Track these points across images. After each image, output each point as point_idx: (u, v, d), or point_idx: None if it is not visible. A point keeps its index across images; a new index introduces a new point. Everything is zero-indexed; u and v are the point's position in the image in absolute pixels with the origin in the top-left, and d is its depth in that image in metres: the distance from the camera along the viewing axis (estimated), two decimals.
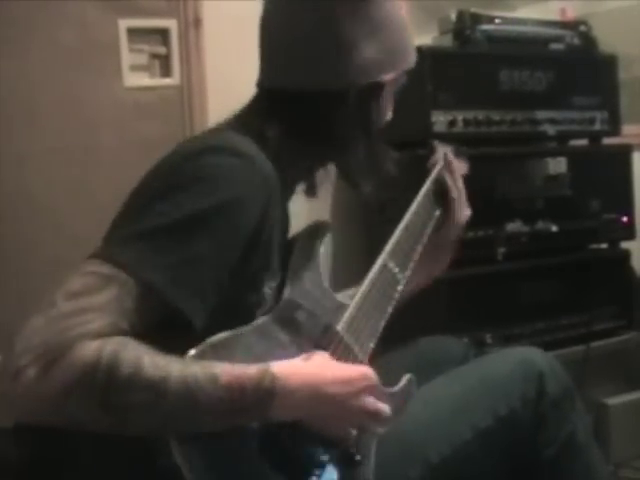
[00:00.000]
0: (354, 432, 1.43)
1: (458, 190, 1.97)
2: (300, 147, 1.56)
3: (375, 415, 1.41)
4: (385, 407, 1.42)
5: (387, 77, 1.60)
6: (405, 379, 1.58)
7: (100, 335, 1.17)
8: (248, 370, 1.25)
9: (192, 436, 1.22)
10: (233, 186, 1.35)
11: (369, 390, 1.40)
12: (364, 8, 1.55)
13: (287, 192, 1.61)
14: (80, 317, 1.17)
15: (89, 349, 1.14)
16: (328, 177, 1.69)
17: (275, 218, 1.46)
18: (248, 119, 1.56)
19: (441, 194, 1.96)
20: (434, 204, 1.94)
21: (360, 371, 1.42)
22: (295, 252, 1.58)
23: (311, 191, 1.66)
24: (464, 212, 1.97)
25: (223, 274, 1.34)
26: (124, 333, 1.20)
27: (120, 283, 1.23)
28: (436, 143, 2.11)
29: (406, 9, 3.30)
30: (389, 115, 1.70)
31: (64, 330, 1.15)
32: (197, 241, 1.30)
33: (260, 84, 1.63)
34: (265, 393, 1.24)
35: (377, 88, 1.60)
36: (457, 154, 2.10)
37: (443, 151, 2.05)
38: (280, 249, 1.53)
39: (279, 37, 1.58)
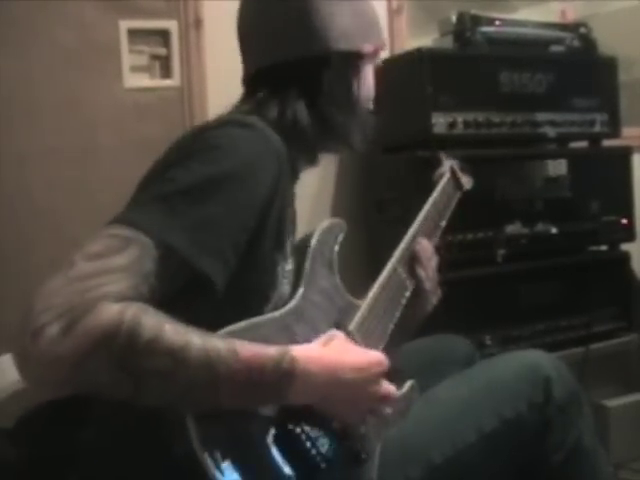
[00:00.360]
0: (365, 418, 1.45)
1: (430, 278, 1.84)
2: (297, 119, 1.58)
3: (386, 398, 1.42)
4: (394, 389, 1.43)
5: (365, 47, 1.65)
6: (408, 385, 1.60)
7: (122, 297, 1.16)
8: (268, 350, 1.25)
9: (208, 422, 1.21)
10: (246, 153, 1.38)
11: (383, 375, 1.41)
12: None
13: (294, 175, 1.62)
14: (101, 278, 1.16)
15: (111, 311, 1.13)
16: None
17: (285, 192, 1.48)
18: (246, 107, 1.59)
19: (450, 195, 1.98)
20: (441, 215, 1.95)
21: (376, 357, 1.42)
22: (312, 248, 1.59)
23: (314, 162, 1.70)
24: (436, 295, 1.87)
25: (240, 237, 1.35)
26: (144, 297, 1.20)
27: (141, 245, 1.22)
28: (442, 155, 2.12)
29: (406, 11, 3.33)
30: (372, 91, 1.73)
31: (86, 290, 1.14)
32: (213, 204, 1.31)
33: (246, 75, 1.67)
34: (284, 374, 1.25)
35: (357, 57, 1.65)
36: (462, 169, 2.11)
37: (449, 164, 2.07)
38: (291, 233, 1.56)
39: (259, 21, 1.64)
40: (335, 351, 1.37)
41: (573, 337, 3.03)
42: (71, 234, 2.70)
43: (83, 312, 1.11)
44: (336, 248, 1.64)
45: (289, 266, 1.53)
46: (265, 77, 1.61)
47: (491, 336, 2.79)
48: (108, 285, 1.16)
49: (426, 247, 1.81)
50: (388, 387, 1.42)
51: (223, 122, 1.44)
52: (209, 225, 1.30)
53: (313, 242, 1.60)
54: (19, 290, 2.61)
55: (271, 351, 1.25)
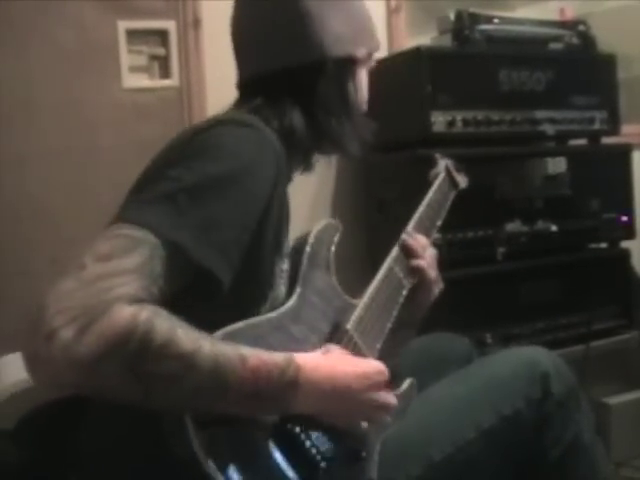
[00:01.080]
0: (364, 425, 1.45)
1: (431, 268, 1.83)
2: (292, 125, 1.57)
3: (385, 407, 1.42)
4: (393, 399, 1.44)
5: (359, 52, 1.66)
6: (407, 383, 1.60)
7: (135, 299, 1.16)
8: (275, 357, 1.25)
9: (208, 425, 1.21)
10: (249, 153, 1.38)
11: (384, 384, 1.41)
12: None
13: (289, 177, 1.62)
14: (113, 280, 1.16)
15: (125, 314, 1.13)
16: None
17: (283, 195, 1.49)
18: (243, 111, 1.58)
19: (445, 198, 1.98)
20: (437, 213, 1.96)
21: (376, 366, 1.43)
22: (308, 249, 1.59)
23: (308, 168, 1.69)
24: (438, 287, 1.86)
25: (243, 236, 1.36)
26: (155, 297, 1.20)
27: (150, 245, 1.22)
28: (437, 155, 2.12)
29: (404, 9, 3.33)
30: (365, 95, 1.73)
31: (99, 292, 1.14)
32: (217, 203, 1.31)
33: (240, 81, 1.67)
34: (289, 382, 1.25)
35: (351, 62, 1.66)
36: (457, 168, 2.12)
37: (444, 163, 2.07)
38: (287, 233, 1.56)
39: (252, 27, 1.64)
40: (336, 360, 1.38)
41: (574, 335, 3.03)
42: (70, 234, 2.71)
43: (97, 315, 1.11)
44: (332, 248, 1.64)
45: (285, 266, 1.53)
46: (259, 84, 1.62)
47: (491, 334, 2.79)
48: (120, 287, 1.16)
49: (418, 239, 1.81)
50: (388, 396, 1.42)
51: (225, 121, 1.44)
52: (214, 224, 1.30)
53: (309, 243, 1.60)
54: (19, 290, 2.62)
55: (278, 359, 1.25)
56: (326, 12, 1.60)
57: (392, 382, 1.46)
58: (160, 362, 1.14)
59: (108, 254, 1.19)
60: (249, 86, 1.64)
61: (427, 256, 1.81)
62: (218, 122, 1.44)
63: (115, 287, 1.15)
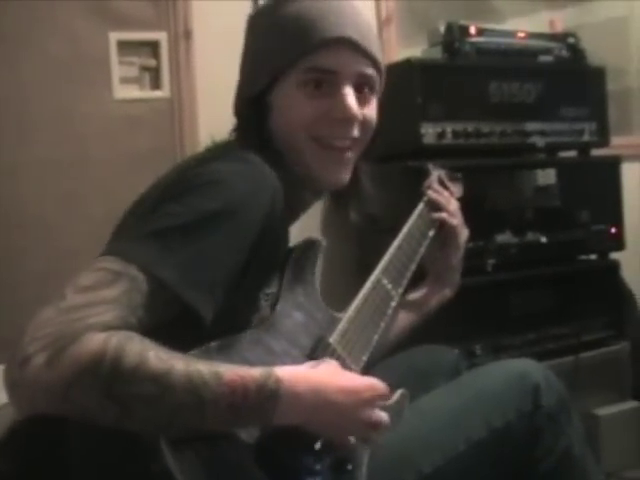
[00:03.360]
0: (352, 440, 1.43)
1: (454, 214, 2.03)
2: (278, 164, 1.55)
3: (375, 426, 1.40)
4: (385, 417, 1.42)
5: (294, 69, 1.56)
6: (398, 394, 1.58)
7: (108, 327, 1.17)
8: (252, 371, 1.25)
9: (184, 440, 1.22)
10: (243, 190, 1.38)
11: (375, 401, 1.40)
12: (272, 18, 1.62)
13: (293, 213, 1.64)
14: (90, 309, 1.18)
15: (96, 340, 1.15)
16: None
17: (278, 228, 1.48)
18: (243, 135, 1.62)
19: (437, 208, 2.00)
20: (428, 224, 1.96)
21: (367, 382, 1.42)
22: (289, 265, 1.59)
23: (318, 195, 1.73)
24: (463, 234, 2.06)
25: (231, 274, 1.36)
26: (132, 327, 1.21)
27: (130, 279, 1.24)
28: (430, 166, 2.13)
29: (395, 22, 3.34)
30: (308, 118, 1.60)
31: (73, 321, 1.16)
32: (207, 241, 1.32)
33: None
34: (269, 395, 1.25)
35: (279, 84, 1.59)
36: (452, 178, 2.12)
37: (437, 174, 2.07)
38: (279, 260, 1.56)
39: (244, 51, 1.67)
40: (323, 373, 1.36)
41: (564, 346, 3.03)
42: (62, 244, 2.71)
43: (69, 342, 1.14)
44: (315, 264, 1.63)
45: (271, 290, 1.53)
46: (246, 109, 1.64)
47: (481, 345, 2.79)
48: (96, 316, 1.18)
49: (440, 192, 2.03)
50: (379, 414, 1.41)
51: (220, 156, 1.45)
52: (202, 261, 1.31)
53: (291, 259, 1.60)
54: (10, 301, 2.61)
55: (255, 373, 1.25)
56: (263, 44, 1.61)
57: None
58: (133, 384, 1.15)
59: (88, 286, 1.22)
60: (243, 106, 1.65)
61: (451, 207, 2.02)
62: (217, 156, 1.45)
63: (90, 316, 1.17)
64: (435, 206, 2.00)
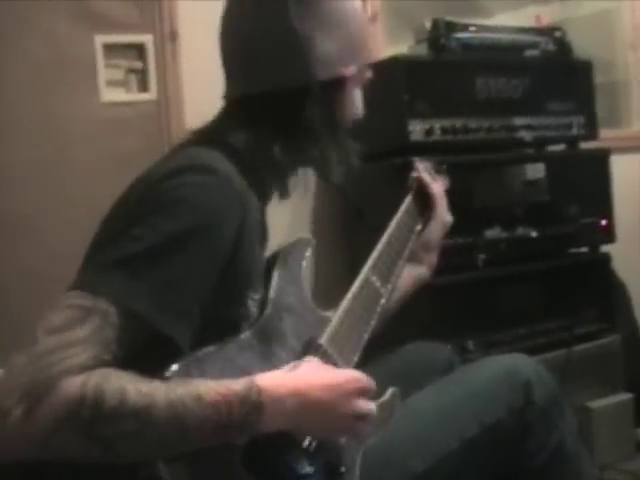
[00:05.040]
0: (342, 440, 1.44)
1: (440, 194, 2.03)
2: (271, 152, 1.55)
3: (363, 417, 1.40)
4: (372, 407, 1.41)
5: (348, 71, 1.61)
6: (389, 392, 1.58)
7: (83, 369, 1.17)
8: (233, 386, 1.25)
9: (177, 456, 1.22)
10: (210, 205, 1.36)
11: (359, 393, 1.39)
12: (318, 4, 1.57)
13: (263, 201, 1.61)
14: (62, 353, 1.17)
15: (73, 385, 1.15)
16: (302, 180, 1.68)
17: (252, 232, 1.47)
18: (215, 133, 1.57)
19: (423, 203, 1.98)
20: (415, 219, 1.95)
21: (348, 374, 1.42)
22: (278, 266, 1.59)
23: (284, 194, 1.64)
24: (448, 215, 2.04)
25: (204, 293, 1.35)
26: (107, 364, 1.21)
27: (101, 314, 1.23)
28: (416, 160, 2.12)
29: (382, 18, 3.34)
30: (359, 110, 1.70)
31: (47, 367, 1.15)
32: (176, 264, 1.30)
33: (226, 96, 1.64)
34: (253, 407, 1.25)
35: (340, 82, 1.61)
36: (438, 170, 2.12)
37: (422, 167, 2.07)
38: (261, 261, 1.55)
39: (238, 45, 1.60)
40: (303, 373, 1.36)
41: (555, 340, 3.03)
42: (48, 247, 2.71)
43: (45, 391, 1.14)
44: (304, 264, 1.63)
45: (257, 295, 1.51)
46: (244, 104, 1.59)
47: (474, 341, 2.79)
48: (69, 359, 1.17)
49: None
50: (366, 405, 1.40)
51: (184, 168, 1.40)
52: (174, 286, 1.30)
53: (279, 260, 1.60)
54: None
55: (237, 386, 1.25)
56: (315, 32, 1.55)
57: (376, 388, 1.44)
58: (116, 423, 1.15)
59: (59, 326, 1.21)
60: (233, 104, 1.62)
61: (437, 188, 2.02)
62: (178, 169, 1.39)
63: (64, 360, 1.17)
64: (423, 189, 2.00)
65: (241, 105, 1.59)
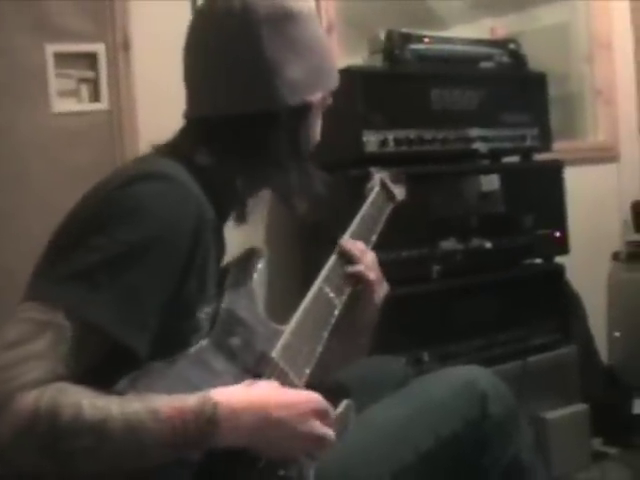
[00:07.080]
0: (297, 458, 1.42)
1: (371, 267, 1.80)
2: (232, 173, 1.55)
3: (320, 440, 1.39)
4: (330, 432, 1.41)
5: (315, 97, 1.60)
6: (343, 405, 1.56)
7: (39, 384, 1.16)
8: (188, 401, 1.24)
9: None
10: (166, 212, 1.34)
11: (315, 414, 1.39)
12: (288, 30, 1.55)
13: (221, 219, 1.59)
14: (18, 368, 1.17)
15: (28, 400, 1.14)
16: (260, 203, 1.67)
17: (208, 243, 1.45)
18: (177, 149, 1.54)
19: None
20: (370, 229, 1.92)
21: (304, 395, 1.41)
22: (229, 279, 1.57)
23: (242, 218, 1.63)
24: (381, 290, 1.82)
25: (162, 302, 1.33)
26: (63, 378, 1.20)
27: (57, 327, 1.22)
28: (372, 169, 2.10)
29: (337, 30, 3.33)
30: (318, 136, 1.69)
31: (2, 383, 1.15)
32: (135, 272, 1.29)
33: (187, 114, 1.61)
34: (208, 422, 1.24)
35: (306, 108, 1.60)
36: (397, 179, 2.10)
37: (379, 177, 2.05)
38: (215, 275, 1.52)
39: (204, 64, 1.57)
40: (260, 391, 1.35)
41: (511, 351, 3.05)
42: (2, 261, 2.66)
43: (1, 406, 1.13)
44: (255, 276, 1.61)
45: (209, 308, 1.48)
46: (206, 125, 1.56)
47: (429, 352, 2.79)
48: (25, 374, 1.17)
49: (355, 244, 1.78)
50: (322, 428, 1.39)
51: (141, 176, 1.38)
52: (132, 295, 1.29)
53: (230, 273, 1.58)
54: None
55: (191, 402, 1.24)
56: (284, 57, 1.53)
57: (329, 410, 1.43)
58: (71, 438, 1.15)
59: (14, 341, 1.20)
60: (196, 123, 1.58)
61: (366, 260, 1.77)
62: (136, 177, 1.38)
63: (19, 375, 1.16)
64: (349, 259, 1.76)
65: (206, 125, 1.56)
